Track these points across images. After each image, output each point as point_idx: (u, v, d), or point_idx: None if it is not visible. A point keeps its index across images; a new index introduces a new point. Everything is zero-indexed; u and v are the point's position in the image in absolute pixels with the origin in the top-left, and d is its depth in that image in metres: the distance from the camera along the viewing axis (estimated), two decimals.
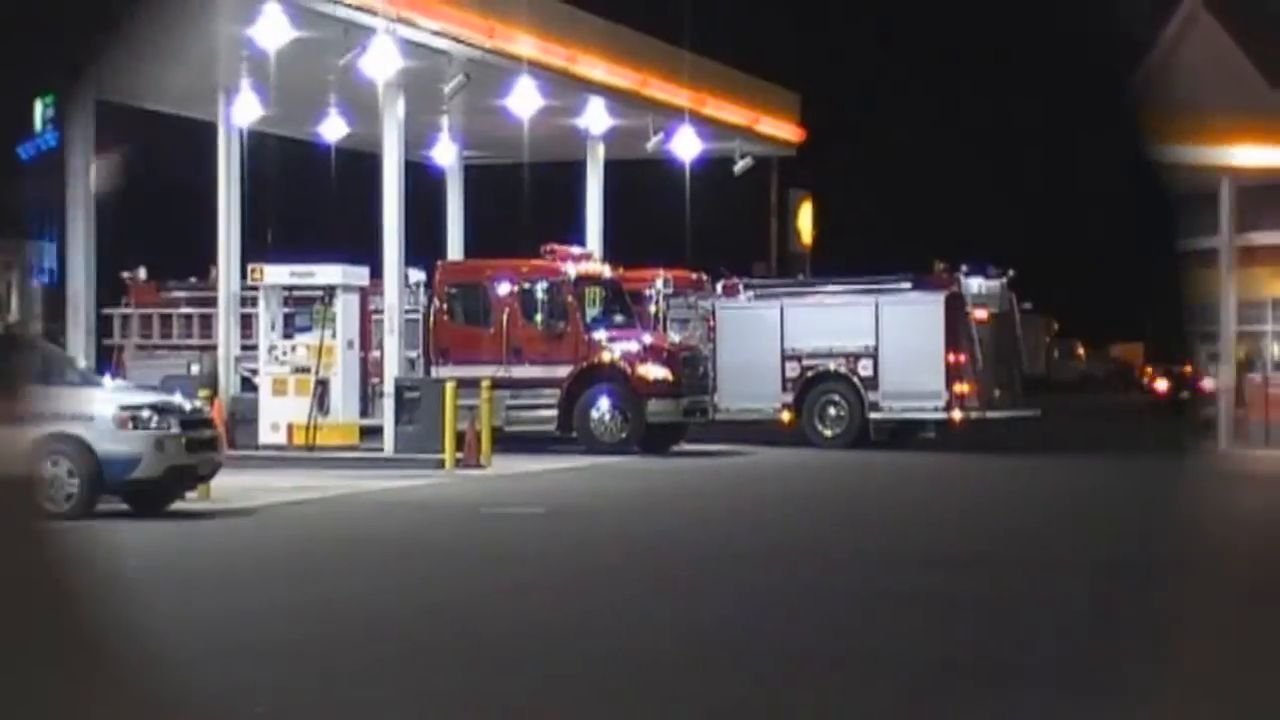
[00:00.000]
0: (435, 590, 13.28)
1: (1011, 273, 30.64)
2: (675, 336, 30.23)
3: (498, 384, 26.38)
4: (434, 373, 27.57)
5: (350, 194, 31.75)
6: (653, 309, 30.97)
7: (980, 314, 29.45)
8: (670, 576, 13.98)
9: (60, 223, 21.46)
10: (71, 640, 8.31)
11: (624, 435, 27.61)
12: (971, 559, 14.98)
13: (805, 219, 43.59)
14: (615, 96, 30.82)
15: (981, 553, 15.51)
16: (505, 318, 27.97)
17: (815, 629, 11.42)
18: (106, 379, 20.13)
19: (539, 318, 27.98)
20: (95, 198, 21.32)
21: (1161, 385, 48.49)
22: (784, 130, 37.87)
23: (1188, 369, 47.93)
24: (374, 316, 27.06)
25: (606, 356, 27.88)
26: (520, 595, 13.04)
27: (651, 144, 32.92)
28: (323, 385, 25.60)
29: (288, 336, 26.19)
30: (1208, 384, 49.39)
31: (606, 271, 29.67)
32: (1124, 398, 55.99)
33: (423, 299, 28.49)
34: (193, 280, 31.41)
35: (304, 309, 26.35)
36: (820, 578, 13.77)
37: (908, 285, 29.48)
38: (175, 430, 17.57)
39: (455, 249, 32.52)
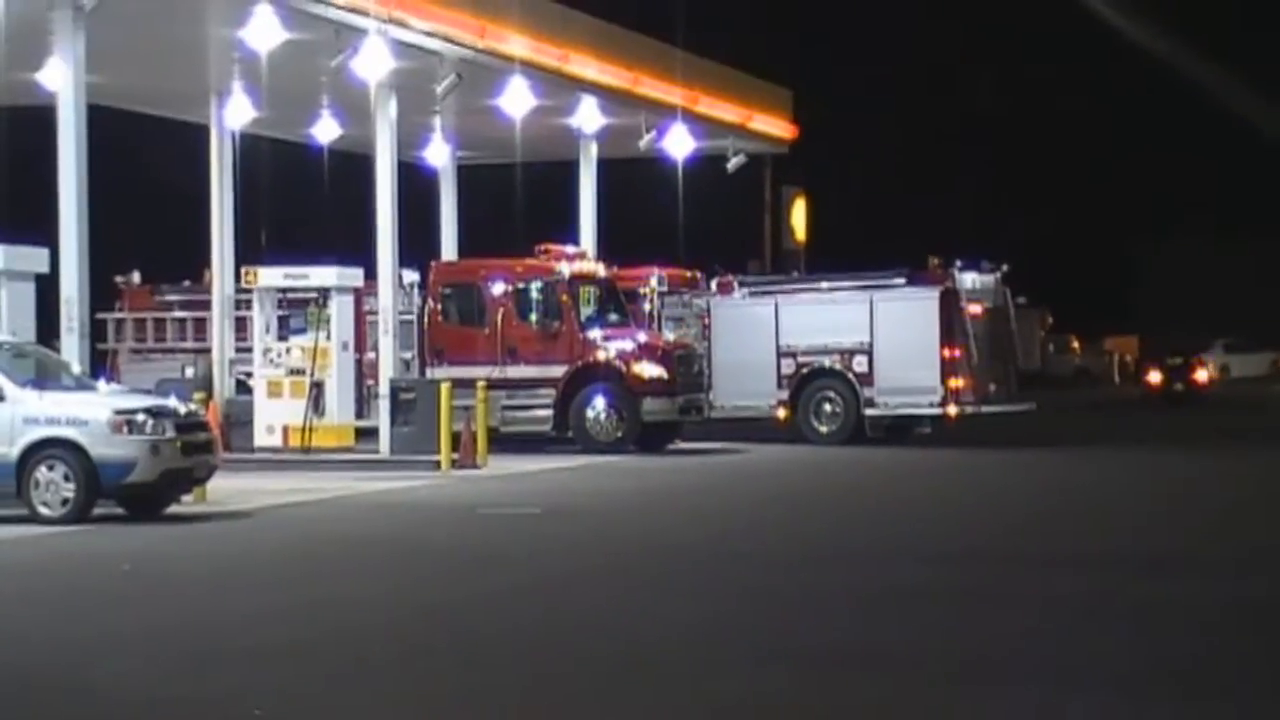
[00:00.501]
0: (432, 591, 13.28)
1: (1006, 267, 30.66)
2: (670, 335, 30.23)
3: (493, 384, 26.37)
4: (429, 373, 27.55)
5: (343, 195, 31.75)
6: (647, 307, 30.98)
7: (975, 309, 29.46)
8: (667, 575, 13.98)
9: (53, 226, 21.41)
10: None
11: (619, 434, 27.61)
12: (969, 554, 14.98)
13: (799, 216, 43.56)
14: (607, 95, 30.82)
15: (978, 548, 15.52)
16: (500, 318, 27.96)
17: (813, 626, 11.42)
18: (101, 383, 20.09)
19: (534, 317, 27.97)
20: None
21: (1154, 377, 48.56)
22: (777, 127, 37.89)
23: (1180, 360, 48.07)
24: (368, 318, 27.03)
25: (601, 355, 27.87)
26: (517, 595, 13.04)
27: (644, 142, 32.93)
28: (318, 387, 25.59)
29: (282, 339, 26.18)
30: (1202, 376, 49.57)
31: (601, 270, 29.66)
32: (1117, 391, 56.04)
33: (417, 300, 28.49)
34: (186, 283, 31.43)
35: (298, 311, 26.34)
36: (817, 575, 13.77)
37: (902, 281, 29.48)
38: (170, 434, 17.55)
39: (449, 249, 32.52)
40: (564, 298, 28.07)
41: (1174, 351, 49.29)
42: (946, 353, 28.66)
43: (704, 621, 11.65)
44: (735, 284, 30.96)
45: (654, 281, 31.33)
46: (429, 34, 25.56)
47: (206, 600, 12.85)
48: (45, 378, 18.55)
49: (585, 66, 29.80)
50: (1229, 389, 53.61)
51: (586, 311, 28.59)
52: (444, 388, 24.40)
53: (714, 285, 31.19)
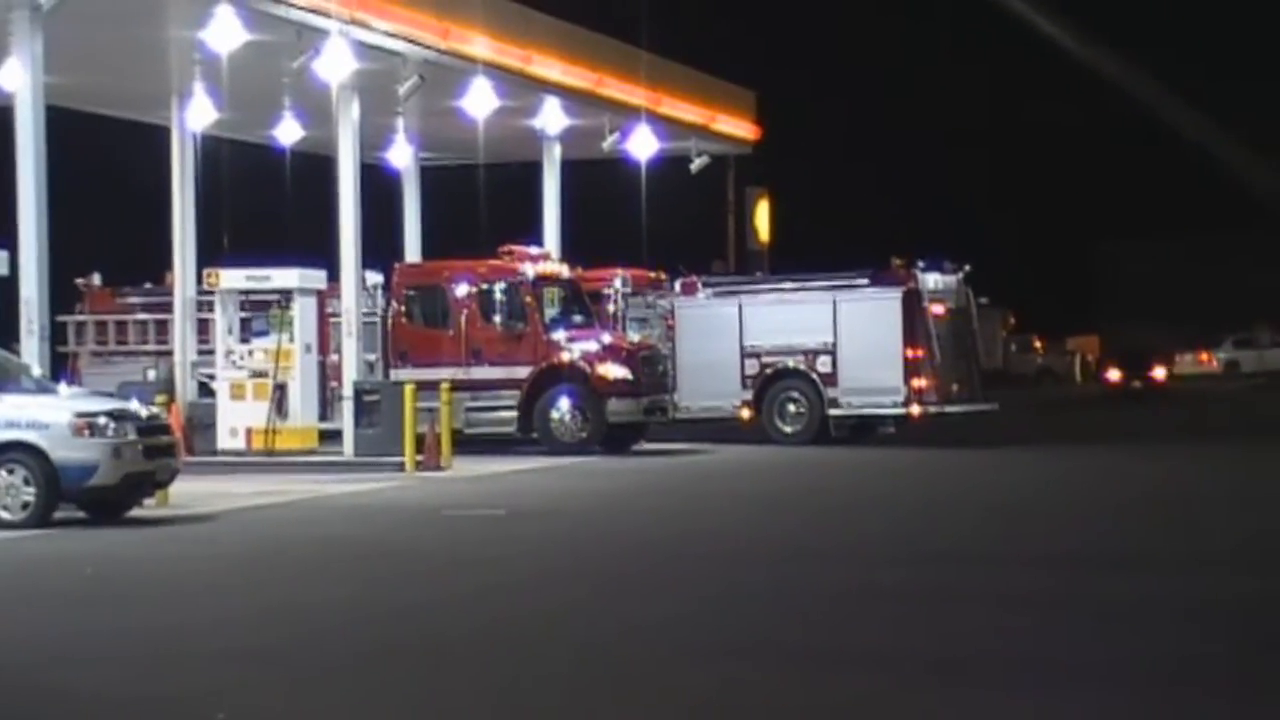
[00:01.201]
0: (398, 593, 13.22)
1: (968, 267, 30.74)
2: (634, 336, 30.20)
3: (457, 386, 26.31)
4: (393, 375, 27.47)
5: (306, 197, 31.60)
6: (611, 308, 30.95)
7: (937, 309, 29.54)
8: (633, 575, 13.96)
9: (12, 228, 21.27)
10: None
11: (584, 435, 27.58)
12: (934, 553, 15.00)
13: (762, 217, 43.61)
14: (571, 96, 30.78)
15: (944, 547, 15.54)
16: (464, 319, 27.89)
17: (780, 626, 11.41)
18: (62, 386, 19.95)
19: (498, 319, 27.92)
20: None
21: (1114, 375, 49.03)
22: (740, 128, 37.92)
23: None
24: (332, 320, 26.94)
25: (566, 357, 27.83)
26: (483, 596, 13.00)
27: (608, 143, 32.89)
28: (281, 389, 25.50)
29: (245, 341, 26.08)
30: (1159, 373, 50.04)
31: (565, 271, 29.63)
32: (1079, 390, 56.31)
33: (381, 301, 28.39)
34: (148, 285, 31.23)
35: (261, 313, 26.24)
36: (784, 574, 13.77)
37: (865, 281, 29.55)
38: (132, 437, 17.44)
39: (413, 251, 32.42)
40: (528, 299, 28.02)
41: (1136, 349, 49.85)
42: (910, 353, 28.73)
43: (671, 621, 11.63)
44: (699, 285, 30.97)
45: (618, 282, 31.30)
46: (391, 35, 25.48)
47: (170, 603, 12.76)
48: (5, 380, 18.37)
49: (548, 68, 29.76)
50: (1185, 385, 53.86)
51: (551, 313, 28.55)
52: (408, 389, 24.33)
53: (678, 286, 31.18)
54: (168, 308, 28.99)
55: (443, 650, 10.69)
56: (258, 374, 25.64)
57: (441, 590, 13.36)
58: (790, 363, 29.42)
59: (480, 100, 27.66)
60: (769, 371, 29.53)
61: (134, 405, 18.35)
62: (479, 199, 32.55)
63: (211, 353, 26.84)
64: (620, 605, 12.42)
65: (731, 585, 13.20)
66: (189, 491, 19.59)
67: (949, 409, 29.27)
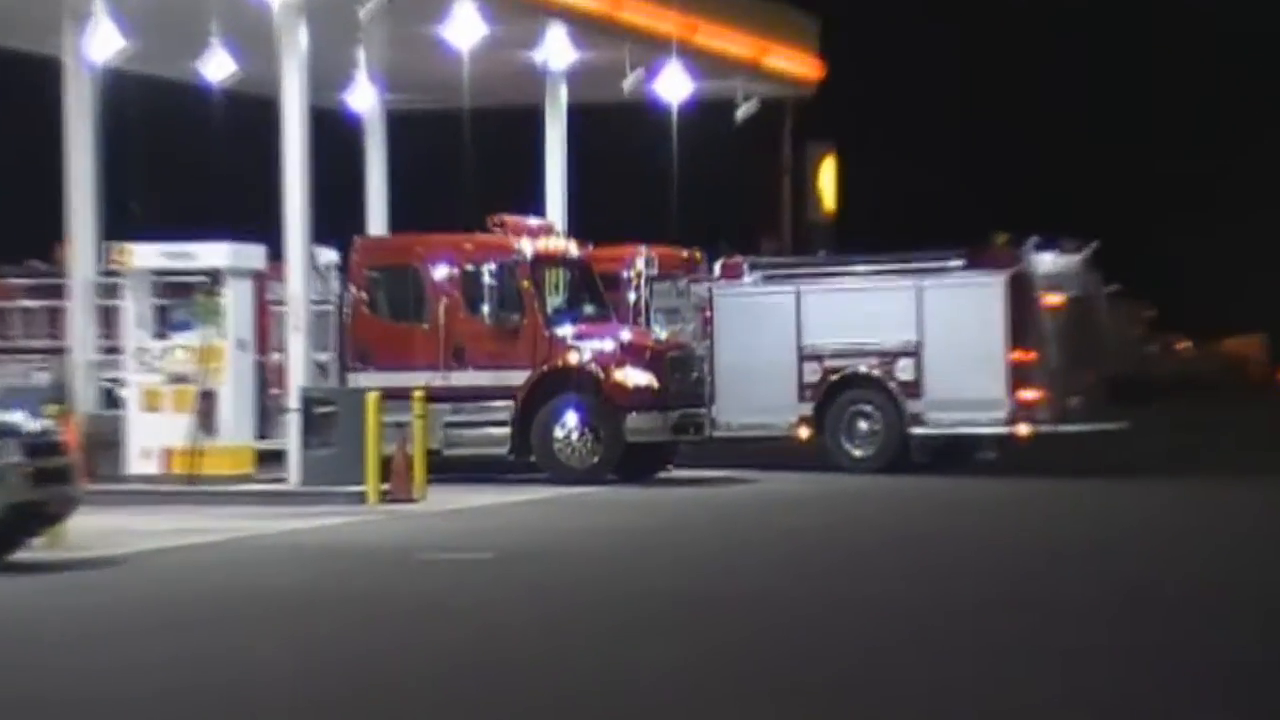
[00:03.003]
0: (355, 661, 13.29)
1: (1095, 245, 30.75)
2: (661, 332, 30.31)
3: (434, 395, 26.44)
4: (352, 381, 27.62)
5: (241, 151, 31.75)
6: (632, 297, 31.06)
7: (1054, 299, 29.58)
8: (648, 635, 14.01)
9: None
10: None
11: (596, 459, 27.71)
12: (1020, 605, 15.03)
13: (827, 179, 43.74)
14: (582, 21, 30.88)
15: (1034, 597, 15.55)
16: (443, 310, 28.04)
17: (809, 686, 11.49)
18: None
19: (486, 309, 28.06)
20: None
21: None
22: (799, 65, 38.00)
23: None
24: (273, 309, 27.08)
25: (573, 358, 27.97)
26: (460, 652, 13.08)
27: (629, 84, 32.98)
28: (207, 398, 25.63)
29: (161, 336, 26.21)
30: None
31: (572, 249, 29.76)
32: (1240, 404, 56.25)
33: (336, 286, 28.54)
34: (35, 264, 31.40)
35: (182, 300, 26.37)
36: (821, 628, 13.83)
37: (960, 264, 29.63)
38: (16, 458, 17.56)
39: (377, 222, 32.51)
40: (525, 284, 28.15)
41: None
42: (1016, 356, 28.79)
43: (681, 670, 11.72)
44: (745, 267, 31.07)
45: (640, 263, 31.40)
46: None
47: (57, 670, 12.84)
48: None
49: None
50: None
51: (554, 302, 28.70)
52: (371, 400, 24.45)
53: (718, 268, 31.29)
54: (61, 293, 29.15)
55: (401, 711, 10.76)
56: (178, 378, 25.78)
57: (409, 648, 13.43)
58: (862, 368, 29.51)
59: (465, 26, 27.78)
60: (834, 379, 29.62)
61: (18, 418, 18.47)
62: (463, 154, 32.64)
63: (118, 351, 27.00)
64: (633, 677, 12.49)
65: (758, 645, 13.25)
66: (89, 528, 19.69)
67: (1066, 428, 29.32)
